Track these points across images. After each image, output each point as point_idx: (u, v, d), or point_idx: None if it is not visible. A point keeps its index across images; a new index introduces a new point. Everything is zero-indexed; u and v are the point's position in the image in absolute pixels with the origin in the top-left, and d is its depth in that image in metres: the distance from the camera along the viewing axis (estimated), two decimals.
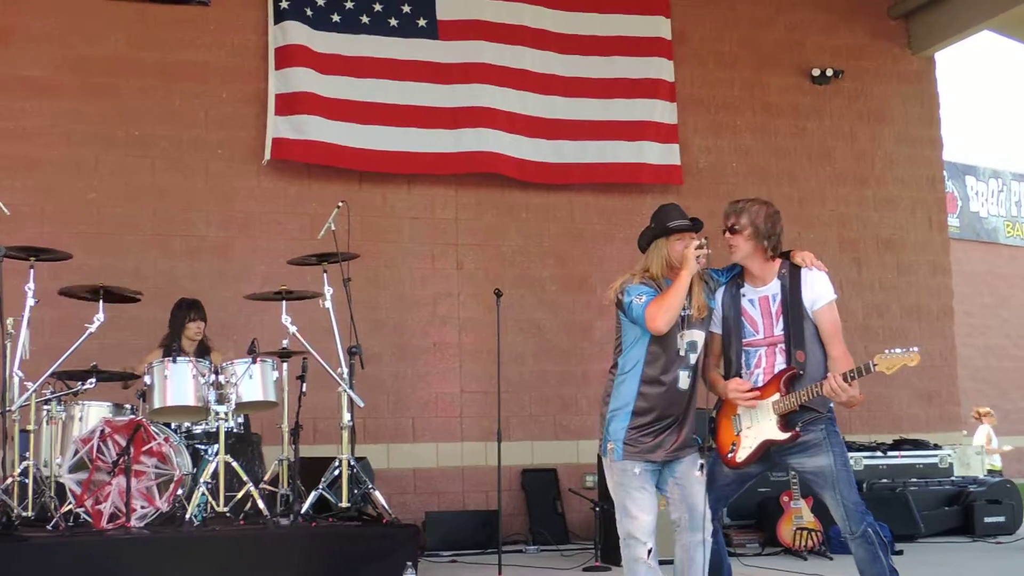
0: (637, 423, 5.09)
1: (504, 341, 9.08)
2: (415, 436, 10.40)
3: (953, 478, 10.76)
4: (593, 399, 10.71)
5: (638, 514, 5.06)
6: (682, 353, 5.15)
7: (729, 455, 5.31)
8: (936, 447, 10.97)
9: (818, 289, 5.24)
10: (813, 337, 5.22)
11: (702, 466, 5.23)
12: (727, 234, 5.30)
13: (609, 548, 8.70)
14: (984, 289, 22.21)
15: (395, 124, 10.51)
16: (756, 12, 11.90)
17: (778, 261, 5.34)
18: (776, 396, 5.17)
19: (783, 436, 5.16)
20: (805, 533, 9.05)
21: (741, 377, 5.31)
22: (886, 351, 4.97)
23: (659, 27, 11.49)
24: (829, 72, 11.81)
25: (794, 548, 9.04)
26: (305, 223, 10.12)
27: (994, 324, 22.65)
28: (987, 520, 10.24)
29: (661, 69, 11.43)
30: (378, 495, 7.57)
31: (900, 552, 8.74)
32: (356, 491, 7.60)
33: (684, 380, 5.16)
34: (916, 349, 4.92)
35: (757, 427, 5.23)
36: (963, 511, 10.33)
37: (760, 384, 5.25)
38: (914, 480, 10.37)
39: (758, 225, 5.26)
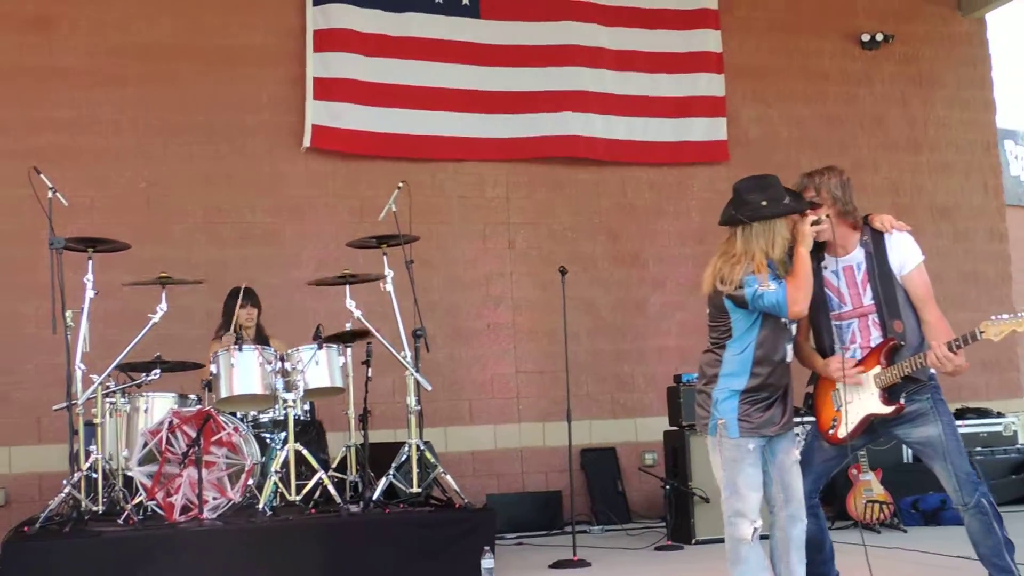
0: (749, 399, 4.95)
1: (559, 320, 8.94)
2: (472, 419, 10.29)
3: (1018, 446, 10.58)
4: (649, 376, 10.62)
5: (747, 492, 4.93)
6: (788, 327, 5.02)
7: (830, 431, 5.17)
8: (999, 415, 10.80)
9: (906, 252, 5.08)
10: (906, 303, 5.07)
11: (799, 445, 5.13)
12: (807, 212, 5.05)
13: (679, 527, 8.58)
14: None
15: (437, 108, 10.39)
16: None
17: (859, 228, 5.16)
18: (877, 369, 5.03)
19: (887, 409, 5.02)
20: (875, 506, 8.91)
21: (835, 352, 5.16)
22: (992, 317, 4.81)
23: None
24: (879, 37, 11.57)
25: (864, 521, 8.88)
26: (355, 206, 10.02)
27: (1017, 311, 22.29)
28: None
29: (707, 40, 11.25)
30: (449, 479, 7.45)
31: None
32: (426, 476, 7.48)
33: (790, 352, 5.07)
34: None
35: (859, 401, 5.08)
36: None
37: (858, 360, 5.10)
38: (979, 449, 10.18)
39: (837, 195, 5.09)
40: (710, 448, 5.08)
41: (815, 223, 4.95)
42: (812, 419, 5.36)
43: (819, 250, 5.18)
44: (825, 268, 5.18)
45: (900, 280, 5.06)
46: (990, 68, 12.31)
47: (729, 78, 11.25)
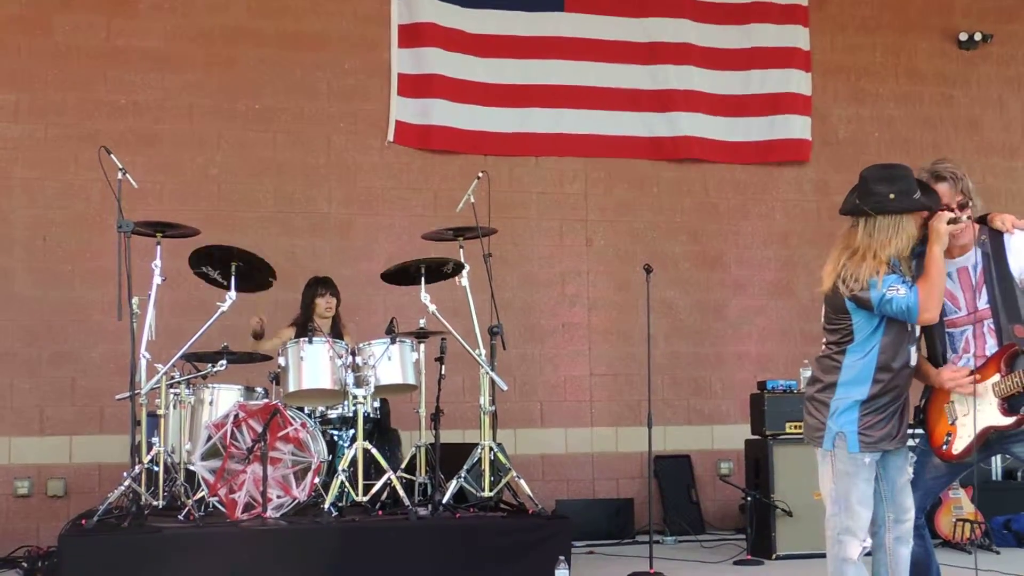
0: (870, 409, 4.62)
1: (635, 321, 8.68)
2: (543, 421, 10.01)
3: None
4: (727, 382, 10.28)
5: (860, 509, 4.62)
6: (913, 330, 4.68)
7: (944, 447, 4.78)
8: None
9: None
10: None
11: (912, 462, 4.82)
12: (956, 210, 4.63)
13: (760, 540, 8.23)
14: None
15: (519, 105, 10.20)
16: None
17: (976, 227, 4.76)
18: (996, 377, 4.62)
19: (1007, 421, 4.61)
20: (966, 525, 8.51)
21: (947, 363, 4.78)
22: None
23: None
24: (977, 36, 11.10)
25: (953, 540, 8.52)
26: (428, 199, 9.84)
27: None
28: None
29: (796, 37, 10.89)
30: (522, 483, 7.14)
31: None
32: (498, 479, 7.19)
33: (914, 356, 4.72)
34: None
35: (975, 413, 4.67)
36: None
37: (972, 369, 4.71)
38: None
39: (970, 191, 4.70)
40: (820, 459, 4.75)
41: (953, 221, 4.55)
42: (921, 432, 4.97)
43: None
44: None
45: (1020, 283, 4.67)
46: None
47: (819, 76, 10.88)
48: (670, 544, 9.24)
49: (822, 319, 4.78)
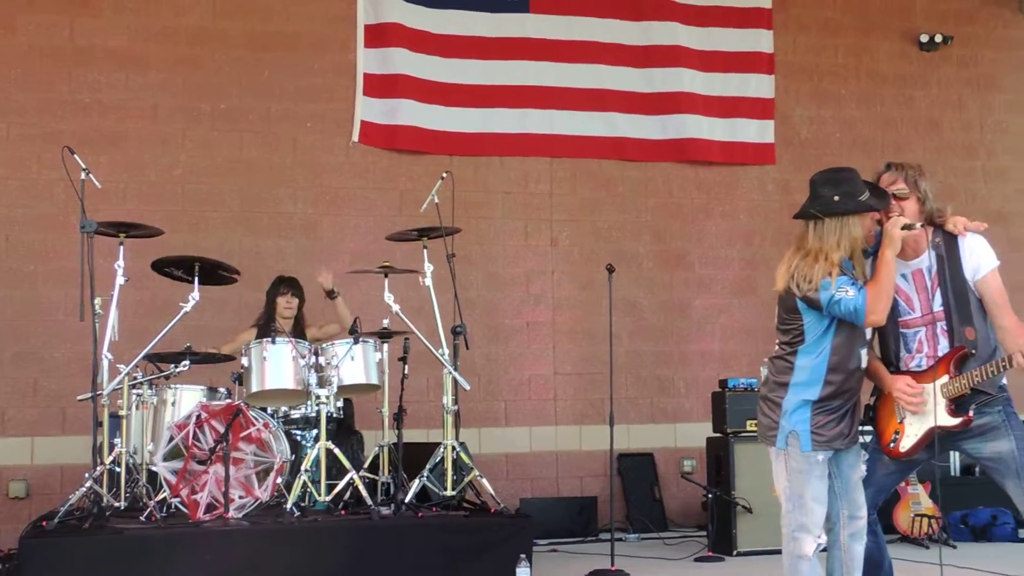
0: (822, 410, 4.69)
1: (599, 321, 8.71)
2: (507, 420, 10.05)
3: None
4: (690, 381, 10.35)
5: (814, 506, 4.68)
6: (864, 332, 4.74)
7: (891, 444, 4.86)
8: None
9: (980, 256, 4.73)
10: (979, 310, 4.73)
11: (864, 459, 4.89)
12: (893, 200, 4.74)
13: (721, 537, 8.31)
14: None
15: (484, 105, 10.23)
16: None
17: (930, 229, 4.82)
18: (945, 379, 4.70)
19: (953, 422, 4.69)
20: (924, 520, 8.62)
21: (900, 362, 4.86)
22: None
23: None
24: (938, 38, 11.22)
25: (911, 535, 8.61)
26: (394, 199, 9.86)
27: None
28: None
29: (759, 40, 10.98)
30: (485, 482, 7.17)
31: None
32: (460, 478, 7.23)
33: (864, 359, 4.78)
34: None
35: (924, 413, 4.76)
36: None
37: (924, 369, 4.79)
38: None
39: (927, 193, 4.77)
40: (773, 458, 4.82)
41: (907, 227, 4.61)
42: (870, 429, 5.05)
43: None
44: None
45: (973, 285, 4.73)
46: None
47: (781, 77, 10.97)
48: (633, 541, 9.29)
49: (776, 320, 4.84)
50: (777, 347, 4.84)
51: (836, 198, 4.63)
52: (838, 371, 4.68)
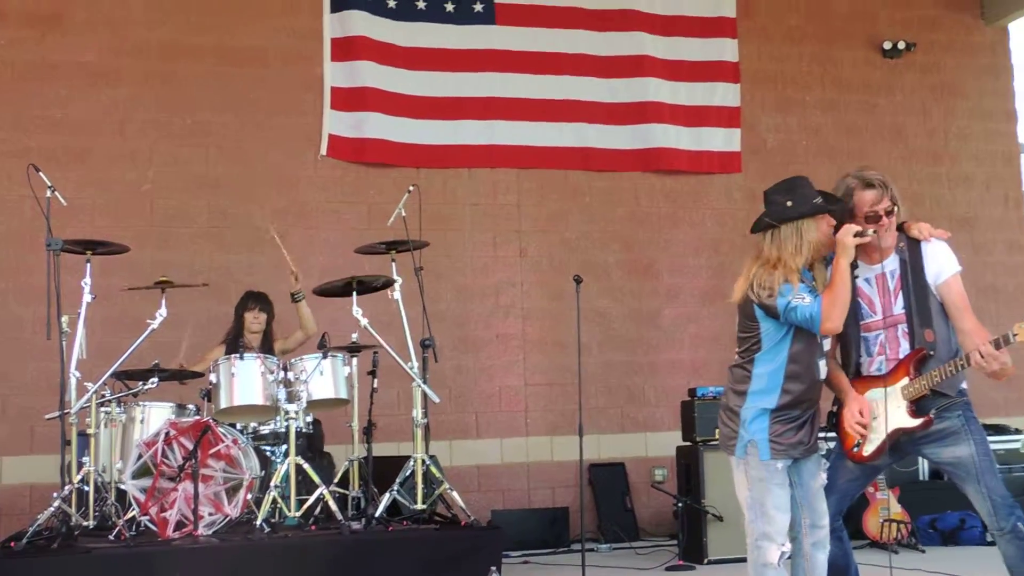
0: (780, 418, 4.72)
1: (569, 331, 8.69)
2: (479, 432, 10.05)
3: None
4: (660, 390, 10.38)
5: (776, 514, 4.70)
6: (822, 341, 4.79)
7: (855, 449, 4.91)
8: (1017, 431, 10.56)
9: (943, 261, 4.81)
10: (940, 314, 4.80)
11: (825, 467, 4.92)
12: (884, 220, 4.79)
13: (691, 546, 8.34)
14: None
15: (450, 118, 10.22)
16: None
17: (895, 233, 4.90)
18: (905, 380, 4.78)
19: (915, 423, 4.76)
20: (893, 525, 8.66)
21: (860, 367, 4.92)
22: None
23: (723, 5, 11.08)
24: (901, 45, 11.32)
25: (881, 540, 8.65)
26: (362, 212, 9.85)
27: None
28: None
29: (724, 49, 11.05)
30: (455, 495, 7.21)
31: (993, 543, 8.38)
32: (430, 492, 7.24)
33: (823, 369, 4.82)
34: None
35: (885, 416, 4.81)
36: None
37: (884, 372, 4.86)
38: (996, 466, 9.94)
39: (898, 202, 4.85)
40: (734, 467, 4.85)
41: (859, 234, 4.67)
42: (834, 436, 5.10)
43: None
44: (857, 276, 4.91)
45: (935, 290, 4.81)
46: (1012, 78, 12.02)
47: (747, 85, 11.03)
48: (604, 551, 9.31)
49: (736, 327, 4.89)
50: (736, 356, 4.88)
51: (789, 203, 4.70)
52: (796, 380, 4.71)
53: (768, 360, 4.73)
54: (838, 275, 4.64)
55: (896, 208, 4.84)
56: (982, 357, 4.54)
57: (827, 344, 4.83)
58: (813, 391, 4.78)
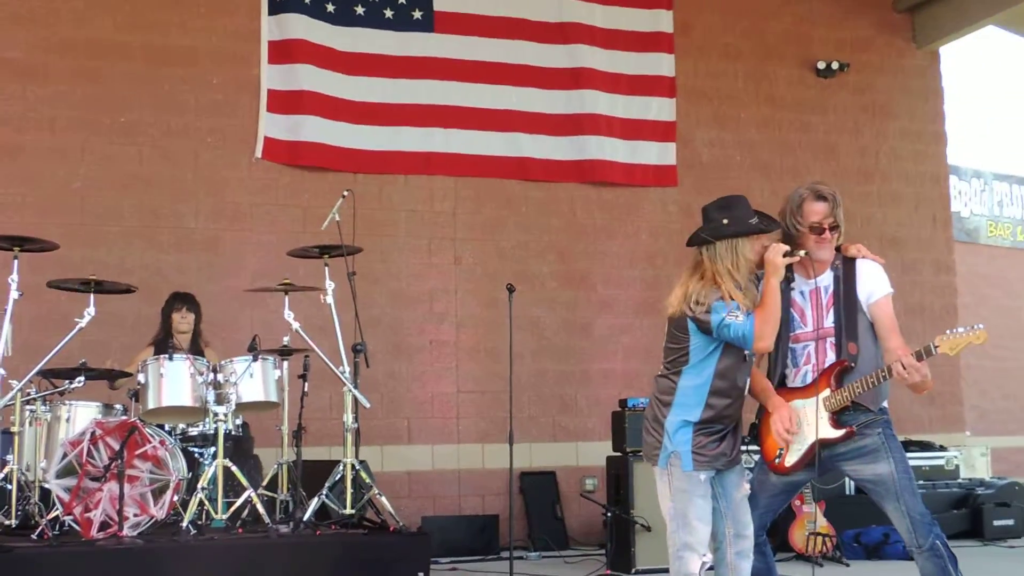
0: (703, 431, 4.75)
1: (502, 339, 8.69)
2: (410, 438, 10.04)
3: (960, 480, 10.56)
4: (592, 400, 10.43)
5: (698, 525, 4.72)
6: (749, 358, 4.83)
7: (776, 460, 4.95)
8: (942, 448, 10.75)
9: (875, 281, 4.88)
10: (867, 331, 4.87)
11: (748, 478, 4.97)
12: (827, 235, 4.88)
13: (619, 555, 8.38)
14: (965, 289, 21.91)
15: (387, 124, 10.23)
16: (761, 3, 11.61)
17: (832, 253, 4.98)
18: (827, 392, 4.83)
19: (836, 434, 4.81)
20: (818, 538, 8.74)
21: (786, 378, 4.97)
22: (948, 331, 4.65)
23: (660, 21, 11.22)
24: (835, 65, 11.53)
25: (806, 553, 8.73)
26: (297, 215, 9.80)
27: (973, 324, 22.41)
28: (996, 523, 10.06)
29: (661, 64, 11.18)
30: (384, 501, 7.18)
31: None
32: (360, 496, 7.21)
33: (746, 383, 4.88)
34: (982, 326, 4.59)
35: (806, 427, 4.87)
36: (971, 514, 10.14)
37: (808, 382, 4.91)
38: (921, 482, 10.00)
39: (840, 221, 4.93)
40: (657, 478, 4.86)
41: (788, 254, 4.71)
42: (757, 449, 5.16)
43: (788, 270, 4.95)
44: (793, 289, 4.99)
45: (866, 308, 4.87)
46: (942, 101, 12.31)
47: (683, 100, 11.15)
48: (534, 560, 9.33)
49: (665, 338, 4.92)
50: (662, 366, 4.90)
51: (725, 221, 4.75)
52: (721, 395, 4.74)
53: (695, 374, 4.76)
54: (769, 294, 4.68)
55: (839, 227, 4.92)
56: (904, 368, 4.61)
57: (752, 359, 4.88)
58: (736, 406, 4.82)
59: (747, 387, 4.88)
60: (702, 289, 4.69)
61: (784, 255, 4.69)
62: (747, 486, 4.92)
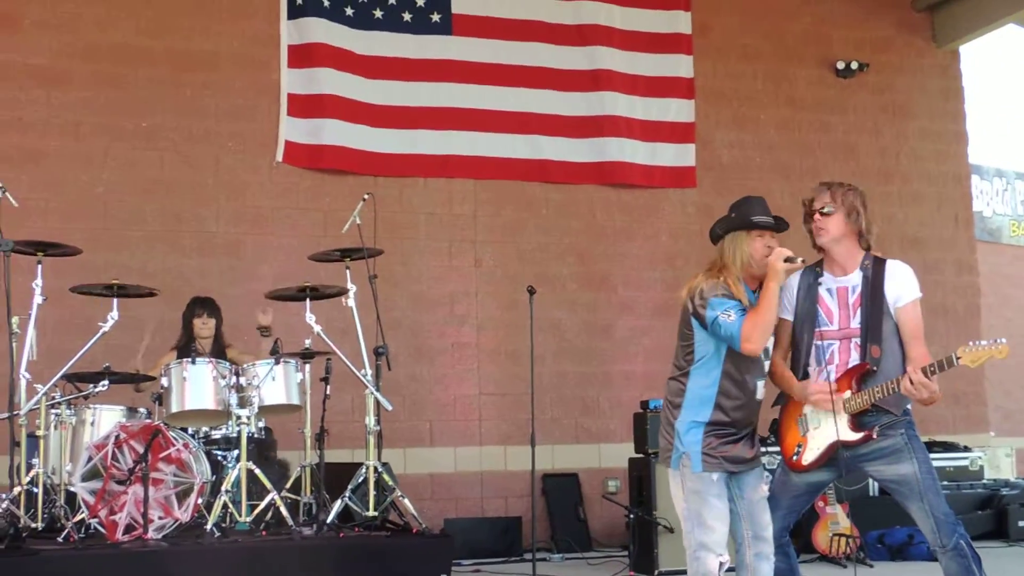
0: (714, 432, 4.75)
1: (523, 341, 8.75)
2: (432, 440, 10.06)
3: (984, 481, 10.50)
4: (614, 401, 10.43)
5: (714, 524, 4.72)
6: (760, 360, 4.83)
7: (794, 457, 4.95)
8: (966, 449, 10.71)
9: (905, 284, 4.88)
10: (892, 334, 4.85)
11: (768, 480, 4.96)
12: (816, 217, 4.92)
13: (642, 557, 8.37)
14: (988, 289, 21.82)
15: (407, 127, 10.28)
16: (780, 3, 11.61)
17: (863, 251, 4.98)
18: (848, 394, 4.82)
19: (854, 437, 4.80)
20: (842, 539, 8.73)
21: (809, 373, 4.96)
22: (970, 343, 4.62)
23: (679, 22, 11.24)
24: (854, 65, 11.52)
25: (830, 554, 8.71)
26: (318, 219, 9.84)
27: (997, 324, 22.19)
28: (1021, 524, 9.99)
29: (679, 66, 11.19)
30: (407, 503, 7.20)
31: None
32: (382, 499, 7.23)
33: (760, 389, 4.86)
34: (1004, 341, 4.58)
35: (826, 427, 4.86)
36: (996, 515, 10.07)
37: (832, 381, 4.90)
38: (945, 483, 9.98)
39: (855, 205, 4.92)
40: (671, 480, 4.87)
41: (789, 260, 4.73)
42: (778, 451, 5.16)
43: (818, 266, 5.02)
44: (820, 285, 4.98)
45: (893, 311, 4.86)
46: (963, 101, 12.27)
47: (702, 102, 11.15)
48: (556, 561, 9.33)
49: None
50: (672, 367, 4.93)
51: (733, 215, 4.85)
52: (729, 396, 4.75)
53: (703, 374, 4.78)
54: (765, 298, 4.70)
55: (846, 212, 4.92)
56: (912, 384, 4.61)
57: (767, 366, 4.89)
58: (748, 408, 4.81)
59: (759, 391, 4.86)
60: (706, 283, 4.76)
61: (785, 260, 4.71)
62: (765, 488, 4.90)
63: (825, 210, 4.92)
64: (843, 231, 4.92)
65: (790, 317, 5.02)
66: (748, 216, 4.81)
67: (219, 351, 8.09)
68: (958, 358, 4.60)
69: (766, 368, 4.89)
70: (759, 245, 4.79)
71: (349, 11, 10.21)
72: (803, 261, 4.80)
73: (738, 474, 4.81)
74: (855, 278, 4.93)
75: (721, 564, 4.71)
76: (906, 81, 11.97)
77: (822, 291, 4.97)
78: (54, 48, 9.49)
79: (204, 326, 8.16)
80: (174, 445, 6.67)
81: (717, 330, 4.66)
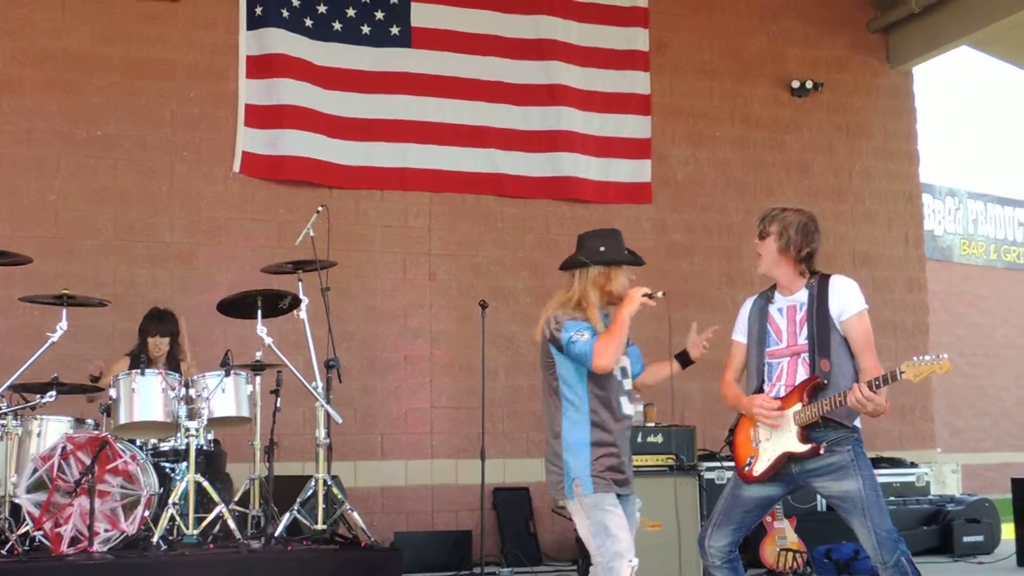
0: (600, 454, 4.88)
1: (477, 355, 8.77)
2: (384, 453, 10.04)
3: (931, 497, 10.60)
4: None
5: (619, 532, 4.83)
6: (619, 379, 5.00)
7: (746, 468, 5.07)
8: (913, 465, 10.80)
9: (847, 298, 5.00)
10: (840, 347, 4.96)
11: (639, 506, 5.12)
12: (756, 240, 5.12)
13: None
14: (939, 307, 22.15)
15: (363, 139, 10.27)
16: (737, 22, 11.71)
17: (805, 273, 5.10)
18: (798, 406, 4.92)
19: (803, 448, 4.91)
20: (789, 554, 8.80)
21: (763, 390, 5.06)
22: (914, 358, 4.72)
23: (636, 39, 11.30)
24: (809, 84, 11.64)
25: (777, 569, 8.79)
26: (272, 230, 9.81)
27: (947, 341, 22.55)
28: (966, 539, 10.10)
29: (636, 82, 11.25)
30: (356, 516, 7.19)
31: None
32: (332, 512, 7.21)
33: (628, 407, 5.03)
34: (946, 356, 4.67)
35: (776, 439, 4.98)
36: (941, 530, 10.17)
37: (780, 397, 5.00)
38: (891, 499, 10.15)
39: (789, 234, 5.02)
40: (571, 510, 4.98)
41: (647, 295, 4.93)
42: (732, 464, 5.24)
43: (771, 289, 5.17)
44: (771, 305, 5.12)
45: (839, 325, 4.97)
46: (915, 121, 12.43)
47: (658, 118, 11.22)
48: (506, 575, 9.34)
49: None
50: (542, 402, 5.10)
51: (602, 249, 5.02)
52: (602, 421, 4.89)
53: (571, 397, 4.93)
54: (619, 322, 4.89)
55: (776, 235, 5.07)
56: (857, 399, 4.72)
57: (627, 384, 5.04)
58: (620, 428, 4.96)
59: (626, 407, 5.00)
60: (561, 310, 4.96)
61: (643, 295, 4.92)
62: (638, 515, 5.07)
63: (763, 233, 5.10)
64: (776, 256, 5.08)
65: (742, 339, 5.20)
66: (622, 251, 5.04)
67: (174, 363, 8.02)
68: (902, 372, 4.70)
69: (627, 387, 5.04)
70: (623, 280, 5.01)
71: (309, 22, 10.20)
72: (663, 294, 4.97)
73: (621, 497, 4.93)
74: (802, 296, 5.06)
75: (633, 568, 4.81)
76: (860, 101, 12.11)
77: (772, 311, 5.11)
78: (6, 54, 9.42)
79: (156, 347, 8.06)
80: (121, 457, 6.62)
81: (571, 349, 4.84)
